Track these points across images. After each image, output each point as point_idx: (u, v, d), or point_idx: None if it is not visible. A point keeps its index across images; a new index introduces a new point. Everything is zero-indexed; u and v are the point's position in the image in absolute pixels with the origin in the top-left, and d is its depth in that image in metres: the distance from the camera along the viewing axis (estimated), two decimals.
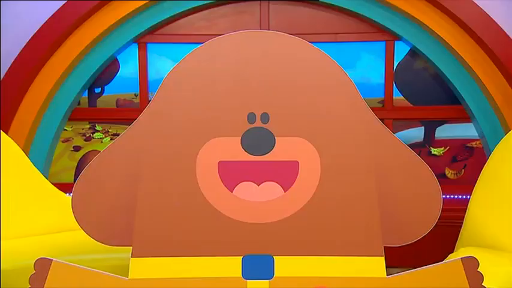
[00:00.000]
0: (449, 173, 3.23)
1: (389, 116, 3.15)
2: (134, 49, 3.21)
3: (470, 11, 2.92)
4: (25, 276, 1.21)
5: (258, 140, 1.24)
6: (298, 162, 1.25)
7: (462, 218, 1.97)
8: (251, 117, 1.25)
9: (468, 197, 2.00)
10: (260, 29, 3.20)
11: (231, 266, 1.21)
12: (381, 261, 1.22)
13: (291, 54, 1.29)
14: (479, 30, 2.91)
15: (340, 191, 1.25)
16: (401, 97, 3.22)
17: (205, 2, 3.09)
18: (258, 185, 1.24)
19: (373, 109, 1.29)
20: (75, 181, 1.28)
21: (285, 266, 1.22)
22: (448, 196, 3.00)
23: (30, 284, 1.19)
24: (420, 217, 1.26)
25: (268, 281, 1.21)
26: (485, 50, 2.94)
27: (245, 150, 1.24)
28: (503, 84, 2.91)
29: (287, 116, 1.26)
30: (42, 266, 1.21)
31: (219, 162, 1.24)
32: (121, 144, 1.28)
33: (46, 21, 2.94)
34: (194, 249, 1.23)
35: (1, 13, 2.91)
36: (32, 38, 2.94)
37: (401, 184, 1.26)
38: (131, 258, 1.22)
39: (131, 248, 1.23)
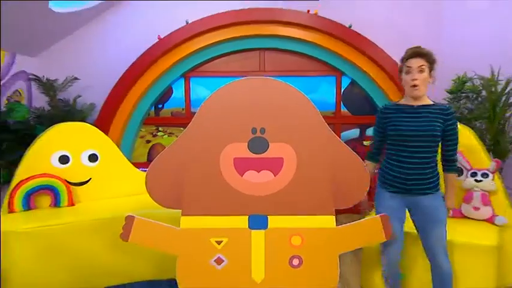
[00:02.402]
0: None
1: (339, 121, 3.12)
2: (182, 81, 3.18)
3: (383, 56, 2.91)
4: (120, 224, 1.21)
5: (258, 144, 1.24)
6: (283, 158, 1.24)
7: None
8: (254, 130, 1.25)
9: None
10: (259, 69, 3.17)
11: (241, 221, 1.22)
12: (332, 218, 1.23)
13: (277, 91, 1.27)
14: (389, 69, 2.90)
15: (309, 176, 1.24)
16: (346, 110, 3.19)
17: (223, 52, 3.08)
18: (258, 172, 1.24)
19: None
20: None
21: (274, 221, 1.23)
22: None
23: (122, 230, 1.21)
24: (356, 190, 1.26)
25: (264, 230, 1.22)
26: (393, 82, 2.94)
27: (250, 151, 1.24)
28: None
29: (276, 129, 1.25)
30: (130, 219, 1.22)
31: (234, 158, 1.24)
32: (175, 146, 1.27)
33: (133, 63, 2.94)
34: (218, 211, 1.24)
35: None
36: (124, 73, 2.94)
37: (344, 170, 1.25)
38: (181, 217, 1.23)
39: (181, 210, 1.23)
